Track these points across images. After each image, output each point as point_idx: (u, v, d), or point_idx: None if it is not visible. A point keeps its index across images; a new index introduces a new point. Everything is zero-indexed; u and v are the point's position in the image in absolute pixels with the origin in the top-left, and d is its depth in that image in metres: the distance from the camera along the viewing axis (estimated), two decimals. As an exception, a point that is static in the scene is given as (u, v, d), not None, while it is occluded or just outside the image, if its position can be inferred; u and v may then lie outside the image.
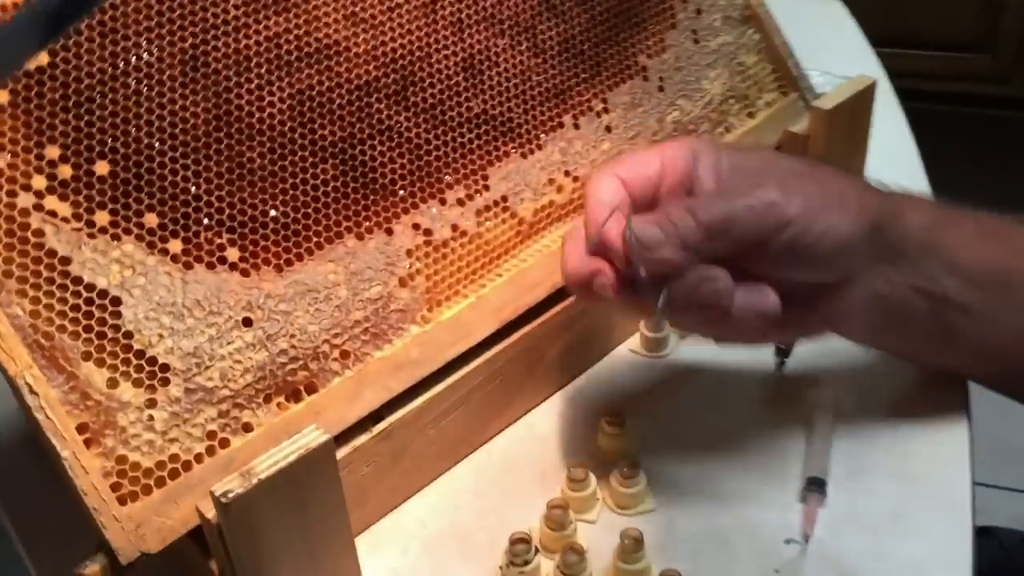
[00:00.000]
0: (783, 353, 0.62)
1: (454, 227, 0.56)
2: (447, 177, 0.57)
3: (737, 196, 0.49)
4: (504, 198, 0.58)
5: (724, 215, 0.48)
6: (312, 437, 0.45)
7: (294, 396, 0.50)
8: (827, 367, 0.61)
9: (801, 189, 0.50)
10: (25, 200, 0.46)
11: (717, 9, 0.68)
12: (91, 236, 0.47)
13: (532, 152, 0.59)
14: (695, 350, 0.63)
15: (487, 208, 0.57)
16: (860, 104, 0.66)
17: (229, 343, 0.49)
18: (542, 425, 0.59)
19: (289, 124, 0.53)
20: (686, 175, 0.51)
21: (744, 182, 0.50)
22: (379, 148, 0.55)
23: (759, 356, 0.62)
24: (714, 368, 0.62)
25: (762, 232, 0.48)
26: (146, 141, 0.49)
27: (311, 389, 0.51)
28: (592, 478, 0.54)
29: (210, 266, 0.49)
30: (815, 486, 0.53)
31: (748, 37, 0.68)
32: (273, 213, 0.51)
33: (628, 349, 0.64)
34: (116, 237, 0.48)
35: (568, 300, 0.59)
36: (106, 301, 0.47)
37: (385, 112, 0.56)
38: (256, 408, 0.49)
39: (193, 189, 0.50)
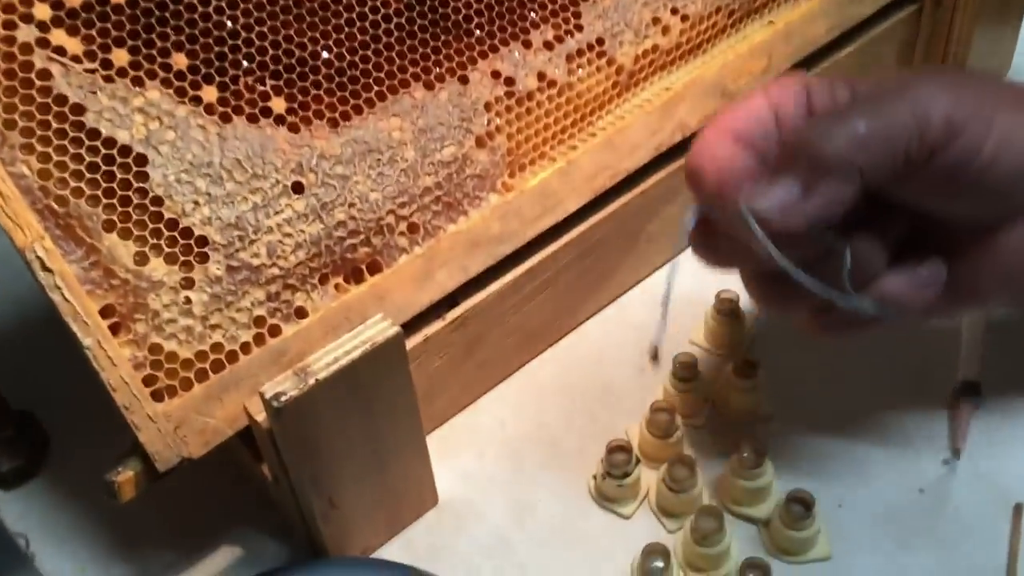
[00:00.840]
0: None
1: (540, 75, 0.47)
2: (532, 14, 0.47)
3: (889, 95, 0.34)
4: (600, 40, 0.48)
5: (864, 131, 0.33)
6: (378, 329, 0.37)
7: (354, 276, 0.42)
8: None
9: (968, 87, 0.35)
10: (26, 33, 0.37)
11: None
12: (108, 80, 0.39)
13: (634, -16, 0.49)
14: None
15: (579, 53, 0.48)
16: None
17: (277, 212, 0.41)
18: (639, 310, 0.51)
19: (343, -55, 0.43)
20: (800, 118, 0.37)
21: (892, 84, 0.35)
22: (451, -23, 0.45)
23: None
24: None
25: (922, 147, 0.33)
26: (170, -37, 0.40)
27: (374, 268, 0.43)
28: (703, 378, 0.46)
29: (252, 119, 0.41)
30: (968, 390, 0.45)
31: None
32: (326, 55, 0.42)
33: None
34: (138, 81, 0.39)
35: (672, 165, 0.50)
36: (129, 160, 0.39)
37: (458, -68, 0.45)
38: (310, 290, 0.41)
39: (229, 23, 0.41)
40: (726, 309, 0.48)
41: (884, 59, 0.57)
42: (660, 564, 0.40)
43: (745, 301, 0.48)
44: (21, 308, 0.56)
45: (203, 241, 0.39)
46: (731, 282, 0.51)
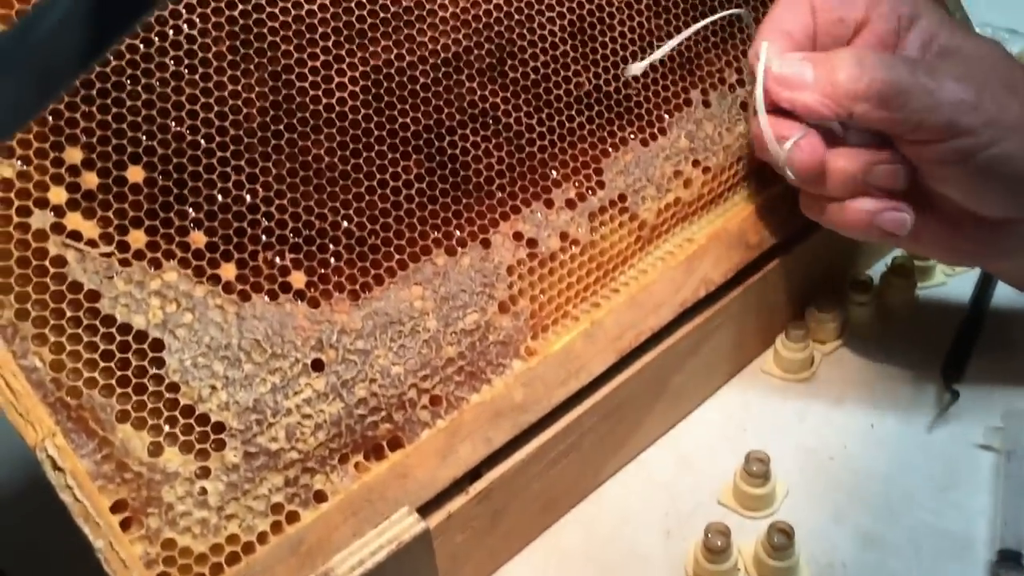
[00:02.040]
0: (953, 381, 0.51)
1: (563, 235, 0.46)
2: (554, 173, 0.46)
3: (927, 73, 0.42)
4: (622, 197, 0.47)
5: (897, 83, 0.41)
6: (404, 526, 0.36)
7: (375, 453, 0.41)
8: (1012, 394, 0.50)
9: (1007, 103, 0.42)
10: (41, 219, 0.36)
11: (872, -48, 0.55)
12: (124, 263, 0.37)
13: (654, 138, 0.49)
14: (841, 370, 0.53)
15: (602, 210, 0.47)
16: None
17: (296, 393, 0.39)
18: (662, 466, 0.50)
19: (363, 110, 0.42)
20: (890, 34, 0.45)
21: (944, 65, 0.43)
22: (472, 138, 0.44)
23: (920, 378, 0.52)
24: (866, 395, 0.52)
25: (933, 126, 0.41)
26: (189, 138, 0.39)
27: (395, 444, 0.41)
28: (734, 547, 0.44)
29: (272, 295, 0.40)
30: (1009, 560, 0.43)
31: (906, -14, 0.56)
32: (346, 225, 0.41)
33: (761, 369, 0.54)
34: (155, 263, 0.38)
35: (697, 319, 0.49)
36: (145, 346, 0.37)
37: (479, 91, 0.45)
38: (330, 471, 0.40)
39: (248, 198, 0.40)
40: (757, 470, 0.46)
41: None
42: None
43: (773, 466, 0.47)
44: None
45: (220, 427, 0.38)
46: (761, 441, 0.50)
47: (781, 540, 0.44)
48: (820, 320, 0.53)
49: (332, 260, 0.41)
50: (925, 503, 0.47)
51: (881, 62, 0.42)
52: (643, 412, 0.49)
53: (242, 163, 0.40)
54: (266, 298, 0.40)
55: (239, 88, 0.40)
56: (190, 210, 0.39)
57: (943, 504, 0.46)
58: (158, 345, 0.37)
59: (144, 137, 0.39)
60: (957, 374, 0.51)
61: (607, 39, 0.48)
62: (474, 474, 0.43)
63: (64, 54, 0.17)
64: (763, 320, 0.52)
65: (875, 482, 0.48)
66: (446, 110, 0.44)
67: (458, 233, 0.44)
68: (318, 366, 0.40)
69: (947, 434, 0.49)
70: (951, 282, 0.57)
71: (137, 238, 0.38)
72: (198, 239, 0.39)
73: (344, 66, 0.42)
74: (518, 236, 0.45)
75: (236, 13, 0.40)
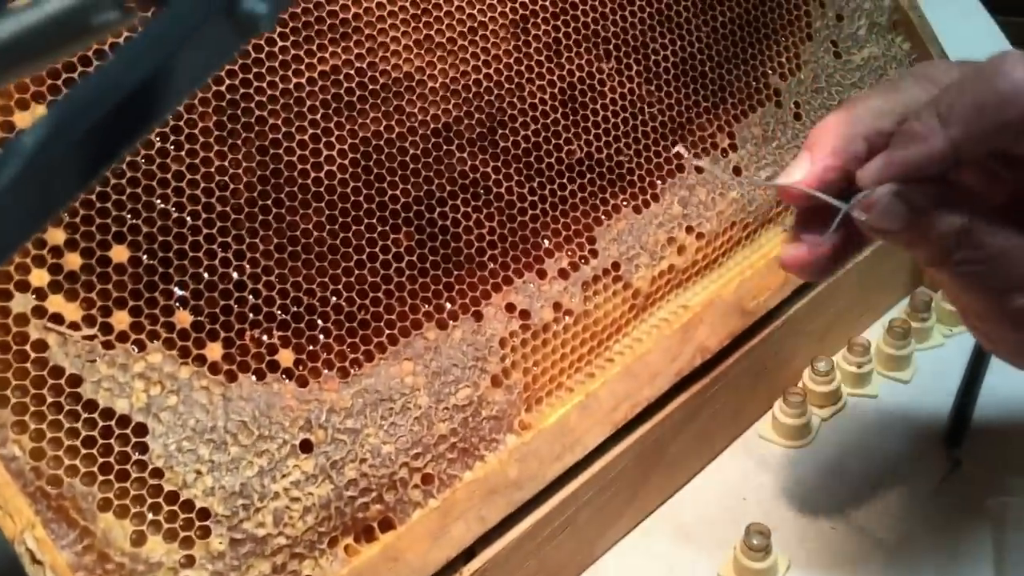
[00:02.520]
0: (956, 448, 0.50)
1: (556, 305, 0.45)
2: (546, 242, 0.46)
3: (976, 78, 0.35)
4: (616, 265, 0.47)
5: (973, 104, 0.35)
6: (396, 618, 0.35)
7: (366, 536, 0.40)
8: (1016, 460, 0.49)
9: None
10: (22, 303, 0.36)
11: (862, 14, 0.56)
12: (107, 346, 0.37)
13: (647, 204, 0.48)
14: (841, 435, 0.52)
15: (595, 279, 0.46)
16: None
17: (284, 475, 0.38)
18: (660, 538, 0.49)
19: (352, 183, 0.42)
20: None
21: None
22: (463, 208, 0.44)
23: (922, 443, 0.51)
24: (867, 461, 0.51)
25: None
26: (175, 215, 0.39)
27: (387, 526, 0.40)
28: (736, 626, 0.43)
29: (259, 375, 0.39)
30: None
31: (897, 47, 0.56)
32: (335, 300, 0.41)
33: (759, 435, 0.53)
34: (139, 345, 0.37)
35: (694, 387, 0.48)
36: (128, 431, 0.36)
37: (469, 161, 0.45)
38: (319, 556, 0.39)
39: (235, 275, 0.39)
40: (758, 543, 0.45)
41: (898, 258, 0.56)
42: None
43: (774, 537, 0.46)
44: None
45: (205, 514, 0.37)
46: (761, 509, 0.49)
47: (784, 618, 0.42)
48: (818, 384, 0.53)
49: (321, 337, 0.40)
50: (931, 573, 0.45)
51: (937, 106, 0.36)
52: (640, 483, 0.48)
53: (229, 240, 0.39)
54: (253, 378, 0.39)
55: (227, 163, 0.40)
56: (176, 289, 0.38)
57: (951, 572, 0.45)
58: (142, 430, 0.36)
59: (129, 215, 0.38)
60: (958, 439, 0.50)
61: (598, 106, 0.48)
62: (468, 553, 0.42)
63: (59, 179, 0.17)
64: (760, 386, 0.52)
65: (879, 553, 0.47)
66: (436, 181, 0.44)
67: (449, 306, 0.43)
68: (307, 447, 0.39)
69: (951, 504, 0.48)
70: (949, 343, 0.56)
71: (121, 319, 0.37)
72: (184, 319, 0.38)
73: (333, 139, 0.42)
74: (511, 307, 0.44)
75: (224, 88, 0.40)
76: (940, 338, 0.56)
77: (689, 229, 0.49)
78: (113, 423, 0.36)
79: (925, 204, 0.36)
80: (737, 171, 0.51)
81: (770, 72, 0.53)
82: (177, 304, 0.38)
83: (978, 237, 0.36)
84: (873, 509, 0.49)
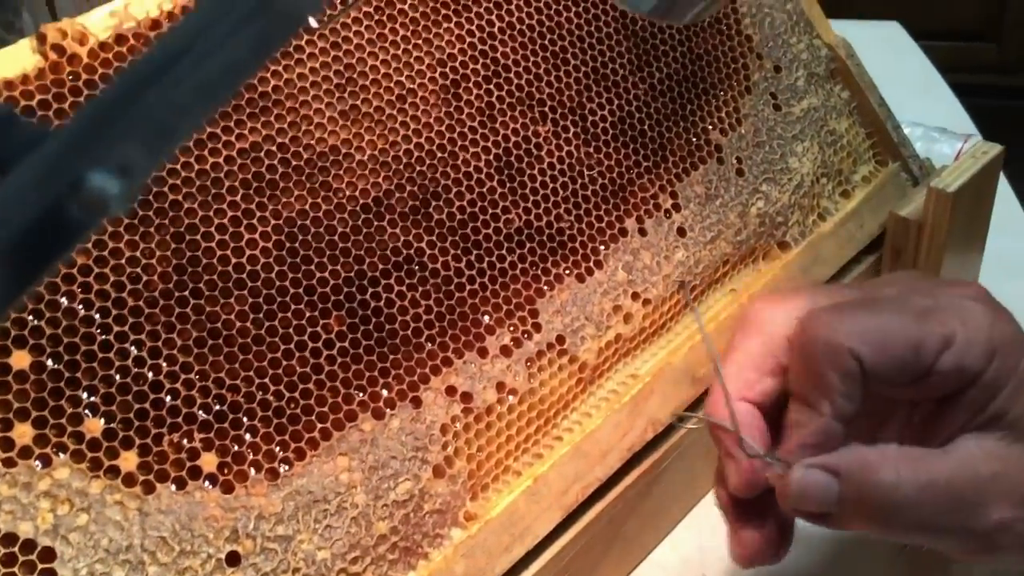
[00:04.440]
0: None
1: (500, 385, 0.43)
2: (486, 318, 0.43)
3: (912, 303, 0.36)
4: (560, 338, 0.45)
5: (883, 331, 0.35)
6: None
7: (302, 651, 0.37)
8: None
9: (1001, 311, 0.37)
10: (-91, 422, 0.32)
11: (799, 64, 0.55)
12: (8, 463, 0.33)
13: (590, 272, 0.46)
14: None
15: (539, 354, 0.44)
16: (986, 180, 0.53)
17: (209, 594, 0.35)
18: (618, 622, 0.46)
19: (277, 267, 0.39)
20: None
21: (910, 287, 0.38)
22: (396, 287, 0.42)
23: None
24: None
25: (952, 362, 0.35)
26: (82, 313, 0.36)
27: (325, 639, 0.37)
28: None
29: (179, 483, 0.36)
30: None
31: (836, 96, 0.56)
32: (261, 395, 0.38)
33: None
34: (45, 460, 0.34)
35: (646, 462, 0.46)
36: (34, 556, 0.33)
37: (402, 236, 0.42)
38: None
39: (151, 374, 0.36)
40: (718, 626, 0.43)
41: (848, 311, 0.55)
42: None
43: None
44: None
45: (122, 643, 0.34)
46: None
47: None
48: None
49: (247, 436, 0.37)
50: (897, 649, 0.44)
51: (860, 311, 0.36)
52: (594, 565, 0.45)
53: (143, 336, 0.36)
54: (173, 487, 0.36)
55: (138, 253, 0.37)
56: (84, 395, 0.35)
57: (917, 651, 0.44)
58: (49, 555, 0.33)
59: (30, 316, 0.35)
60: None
61: (535, 171, 0.46)
62: (414, 661, 0.39)
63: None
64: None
65: (843, 627, 0.45)
66: (368, 259, 0.41)
67: (386, 393, 0.40)
68: (234, 560, 0.36)
69: (914, 562, 0.47)
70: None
71: (23, 432, 0.34)
72: (94, 427, 0.35)
73: (255, 221, 0.40)
74: (451, 390, 0.42)
75: (133, 172, 0.37)
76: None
77: (635, 295, 0.47)
78: (16, 549, 0.33)
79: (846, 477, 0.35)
80: (682, 232, 0.49)
81: (710, 128, 0.51)
82: (86, 411, 0.35)
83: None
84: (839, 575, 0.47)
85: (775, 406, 0.38)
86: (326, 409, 0.39)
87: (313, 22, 0.25)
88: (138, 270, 0.37)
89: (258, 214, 0.40)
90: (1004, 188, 0.68)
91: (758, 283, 0.50)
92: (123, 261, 0.37)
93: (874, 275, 0.55)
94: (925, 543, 0.36)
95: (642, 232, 0.48)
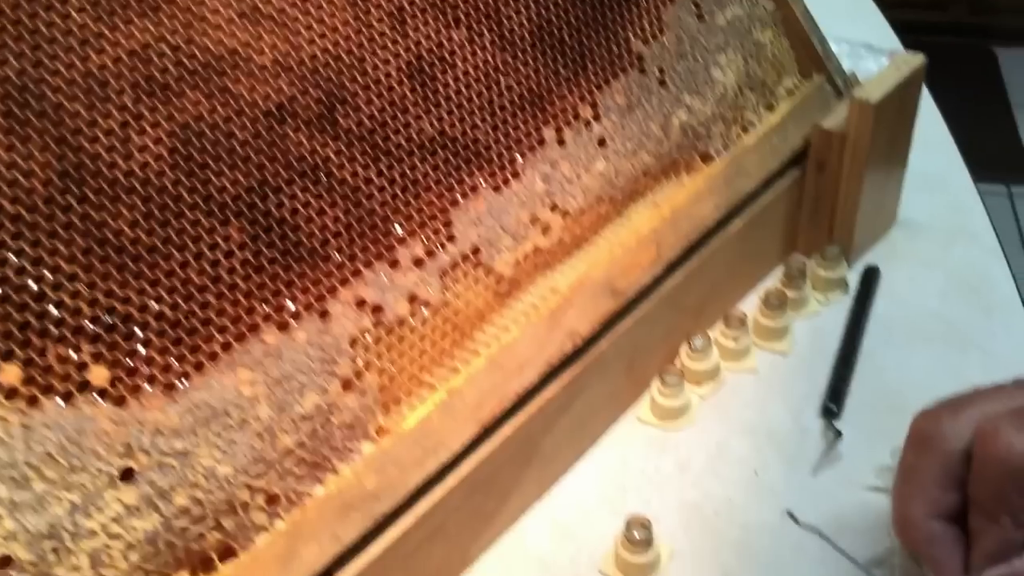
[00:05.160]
0: (834, 418, 0.49)
1: (412, 297, 0.41)
2: (398, 229, 0.42)
3: None
4: (475, 250, 0.43)
5: None
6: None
7: (203, 568, 0.36)
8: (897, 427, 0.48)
9: None
10: None
11: (723, -26, 0.53)
12: None
13: (507, 183, 0.45)
14: (721, 413, 0.50)
15: (454, 266, 0.43)
16: (909, 92, 0.52)
17: (101, 510, 0.34)
18: (538, 537, 0.46)
19: (172, 174, 0.37)
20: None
21: None
22: (301, 196, 0.40)
23: (803, 416, 0.50)
24: (748, 439, 0.49)
25: None
26: (-44, 220, 0.33)
27: (227, 555, 0.36)
28: (618, 628, 0.41)
29: (66, 397, 0.34)
30: (905, 615, 0.41)
31: (761, 7, 0.54)
32: (156, 306, 0.36)
33: (637, 419, 0.50)
34: (-84, 373, 0.32)
35: (565, 375, 0.45)
36: (-94, 474, 0.31)
37: (307, 144, 0.40)
38: (149, 597, 0.34)
39: (34, 284, 0.34)
40: (639, 536, 0.43)
41: (770, 227, 0.55)
42: None
43: (656, 527, 0.44)
44: None
45: (6, 561, 0.32)
46: (642, 498, 0.46)
47: (668, 616, 0.40)
48: (695, 362, 0.51)
49: (140, 348, 0.36)
50: (817, 555, 0.44)
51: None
52: (513, 482, 0.45)
53: (23, 244, 0.34)
54: (60, 401, 0.34)
55: (17, 157, 0.35)
56: (-40, 305, 0.33)
57: (835, 555, 0.44)
58: (-77, 472, 0.31)
59: None
60: (837, 411, 0.49)
61: (449, 79, 0.44)
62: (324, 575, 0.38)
63: None
64: (636, 368, 0.49)
65: (763, 536, 0.45)
66: (270, 167, 0.39)
67: (291, 305, 0.39)
68: (128, 476, 0.34)
69: (834, 476, 0.47)
70: (825, 312, 0.55)
71: None
72: (-29, 339, 0.33)
73: (147, 125, 0.37)
74: (361, 303, 0.40)
75: (9, 71, 0.35)
76: (816, 306, 0.55)
77: (554, 207, 0.46)
78: None
79: None
80: (602, 143, 0.48)
81: (632, 36, 0.50)
82: (-38, 322, 0.33)
83: None
84: (756, 490, 0.47)
85: (964, 513, 0.38)
86: (226, 321, 0.37)
87: None
88: (17, 175, 0.35)
89: (151, 119, 0.37)
90: (929, 106, 0.68)
91: (680, 195, 0.49)
92: (2, 165, 0.34)
93: (797, 189, 0.55)
94: None
95: (561, 142, 0.47)
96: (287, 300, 0.39)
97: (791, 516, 0.41)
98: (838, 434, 0.48)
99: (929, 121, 0.66)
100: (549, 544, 0.45)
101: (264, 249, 0.39)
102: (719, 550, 0.45)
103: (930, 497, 0.38)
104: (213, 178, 0.38)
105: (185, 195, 0.37)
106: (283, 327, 0.38)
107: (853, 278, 0.56)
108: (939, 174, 0.62)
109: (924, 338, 0.53)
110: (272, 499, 0.37)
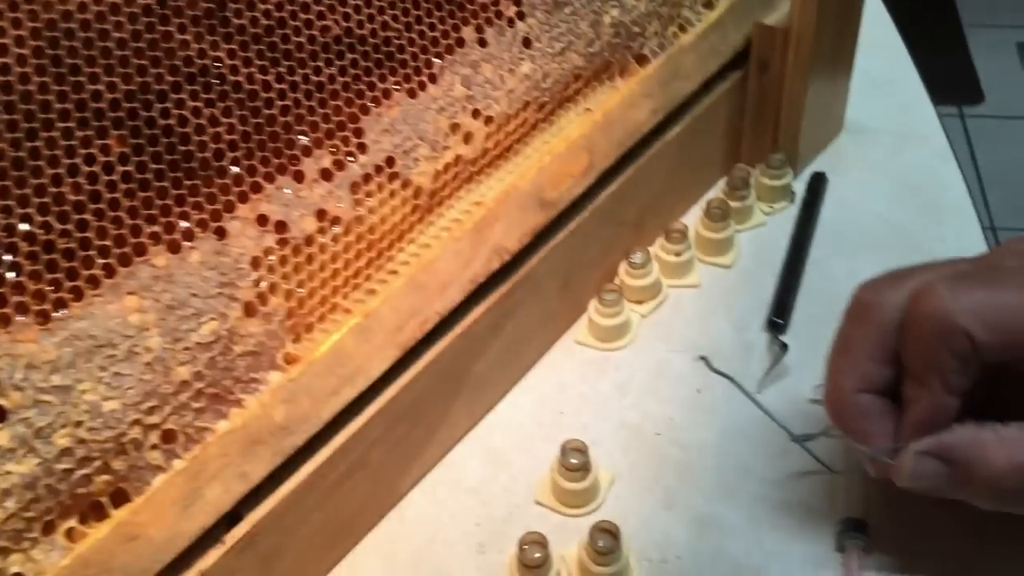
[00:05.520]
0: (781, 333, 0.46)
1: (320, 213, 0.38)
2: (302, 138, 0.38)
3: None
4: (390, 160, 0.40)
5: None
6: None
7: (93, 514, 0.32)
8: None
9: None
10: None
11: None
12: None
13: (423, 87, 0.41)
14: (663, 332, 0.48)
15: (366, 178, 0.39)
16: (855, -17, 0.49)
17: (-31, 455, 0.30)
18: (471, 468, 0.43)
19: (38, 78, 0.33)
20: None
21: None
22: (191, 103, 0.36)
23: (747, 331, 0.47)
24: (690, 358, 0.47)
25: None
26: None
27: (120, 499, 0.33)
28: (554, 556, 0.38)
29: (-78, 331, 0.30)
30: (854, 529, 0.39)
31: None
32: (25, 228, 0.32)
33: (574, 341, 0.48)
34: None
35: (494, 294, 0.42)
36: None
37: (194, 44, 0.36)
38: (30, 547, 0.31)
39: None
40: (576, 462, 0.40)
41: (712, 134, 0.51)
42: None
43: (595, 452, 0.41)
44: None
45: None
46: (580, 423, 0.44)
47: (606, 543, 0.38)
48: (635, 279, 0.48)
49: (8, 274, 0.32)
50: (761, 474, 0.42)
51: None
52: (441, 410, 0.42)
53: None
54: (-87, 336, 0.30)
55: None
56: None
57: (780, 474, 0.42)
58: None
59: None
60: (783, 324, 0.47)
61: (355, -29, 0.40)
62: (232, 518, 0.35)
63: None
64: (572, 286, 0.46)
65: (706, 456, 0.43)
66: (153, 71, 0.35)
67: (183, 224, 0.35)
68: (0, 415, 0.31)
69: (779, 392, 0.45)
70: (771, 222, 0.52)
71: None
72: None
73: (5, 24, 0.33)
74: (262, 220, 0.37)
75: None
76: (761, 216, 0.52)
77: (476, 113, 0.42)
78: None
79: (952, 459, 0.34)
80: (527, 43, 0.44)
81: (558, -72, 0.46)
82: None
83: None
84: (699, 408, 0.45)
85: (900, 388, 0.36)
86: (108, 242, 0.33)
87: None
88: None
89: (10, 15, 0.33)
90: (877, 7, 0.65)
91: (614, 100, 0.46)
92: None
93: (739, 93, 0.51)
94: None
95: (482, 42, 0.43)
96: (178, 218, 0.35)
97: (704, 361, 0.39)
98: (784, 348, 0.45)
99: (877, 22, 0.63)
100: (483, 475, 0.43)
101: (150, 161, 0.35)
102: (661, 472, 0.42)
103: (863, 371, 0.36)
104: (87, 83, 0.34)
105: (55, 102, 0.33)
106: (174, 248, 0.35)
107: (800, 187, 0.53)
108: (887, 77, 0.59)
109: (873, 245, 0.50)
110: (168, 436, 0.34)
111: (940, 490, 0.35)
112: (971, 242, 0.51)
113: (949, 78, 1.76)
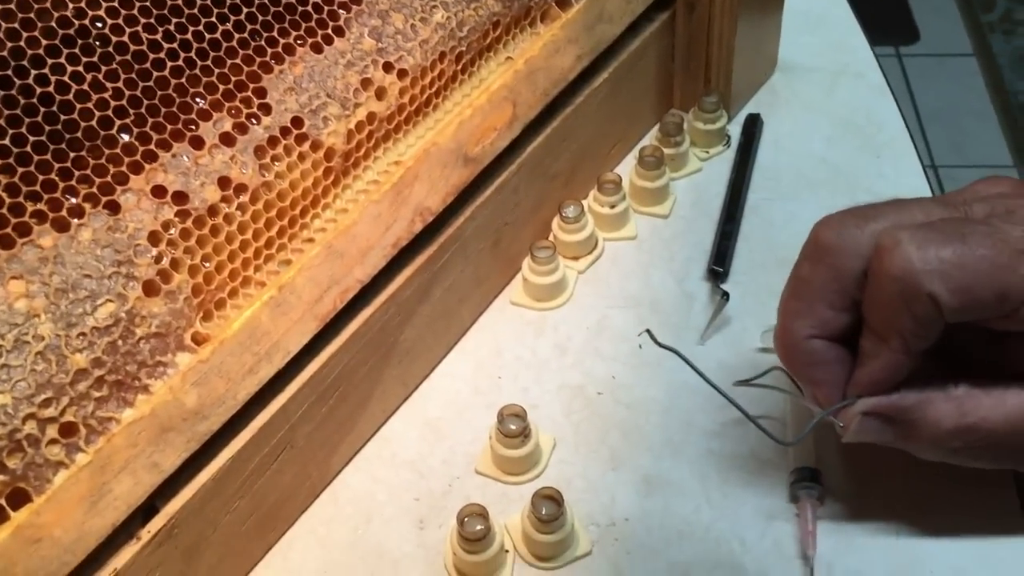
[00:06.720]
0: (721, 280, 0.45)
1: (223, 181, 0.35)
2: (198, 101, 0.35)
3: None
4: (297, 121, 0.37)
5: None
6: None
7: (-10, 518, 0.30)
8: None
9: None
10: None
11: None
12: None
13: (329, 41, 0.38)
14: (600, 287, 0.46)
15: (272, 141, 0.36)
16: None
17: None
18: (407, 441, 0.41)
19: None
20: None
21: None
22: (71, 67, 0.33)
23: (687, 281, 0.46)
24: (630, 312, 0.45)
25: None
26: None
27: (18, 500, 0.30)
28: (497, 528, 0.36)
29: None
30: (806, 479, 0.38)
31: None
32: None
33: (510, 302, 0.46)
34: None
35: (419, 259, 0.40)
36: None
37: (70, 4, 0.33)
38: (-81, 560, 0.28)
39: None
40: (515, 428, 0.39)
41: (642, 79, 0.49)
42: None
43: (536, 416, 0.39)
44: None
45: None
46: (520, 386, 0.42)
47: (550, 510, 0.36)
48: (569, 233, 0.46)
49: None
50: (707, 428, 0.41)
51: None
52: (371, 382, 0.40)
53: None
54: None
55: None
56: None
57: (727, 426, 0.40)
58: None
59: None
60: (723, 273, 0.45)
61: (247, -81, 0.37)
62: (147, 511, 0.33)
63: None
64: (503, 245, 0.44)
65: (651, 414, 0.41)
66: (26, 34, 0.32)
67: (70, 199, 0.32)
68: None
69: (723, 342, 0.43)
70: (707, 167, 0.50)
71: None
72: None
73: None
74: (159, 191, 0.34)
75: None
76: (697, 163, 0.50)
77: (387, 66, 0.40)
78: None
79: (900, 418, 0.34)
80: (439, -10, 0.41)
81: None
82: None
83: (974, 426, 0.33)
84: (641, 364, 0.43)
85: (855, 334, 0.34)
86: (-15, 224, 0.31)
87: None
88: None
89: None
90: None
91: (536, 46, 0.44)
92: None
93: (668, 35, 0.49)
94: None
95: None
96: (64, 194, 0.32)
97: (649, 335, 0.37)
98: (725, 296, 0.44)
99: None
100: (420, 447, 0.41)
101: (27, 134, 0.32)
102: (606, 433, 0.41)
103: (819, 316, 0.34)
104: (-50, 51, 0.31)
105: (-86, 74, 0.30)
106: (62, 226, 0.32)
107: (735, 130, 0.52)
108: (820, 12, 0.57)
109: (811, 185, 0.49)
110: (68, 429, 0.31)
111: (886, 443, 0.34)
112: (911, 180, 0.49)
113: (883, 17, 1.75)
